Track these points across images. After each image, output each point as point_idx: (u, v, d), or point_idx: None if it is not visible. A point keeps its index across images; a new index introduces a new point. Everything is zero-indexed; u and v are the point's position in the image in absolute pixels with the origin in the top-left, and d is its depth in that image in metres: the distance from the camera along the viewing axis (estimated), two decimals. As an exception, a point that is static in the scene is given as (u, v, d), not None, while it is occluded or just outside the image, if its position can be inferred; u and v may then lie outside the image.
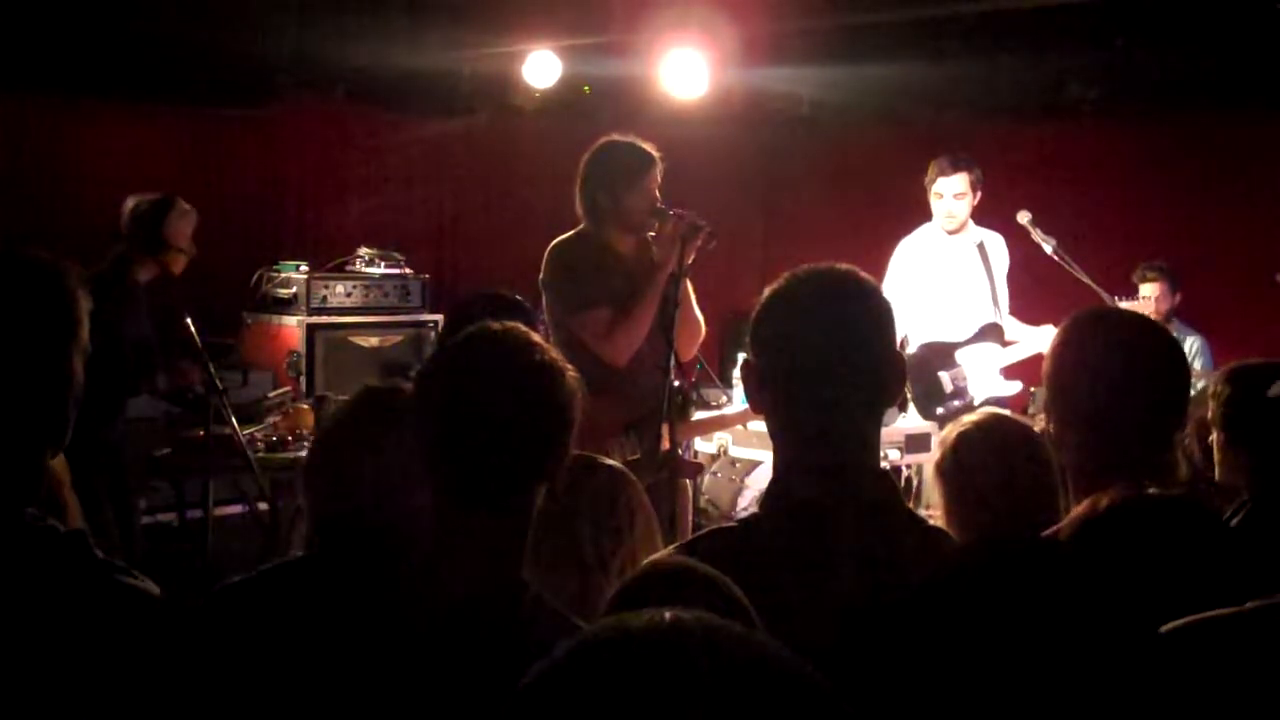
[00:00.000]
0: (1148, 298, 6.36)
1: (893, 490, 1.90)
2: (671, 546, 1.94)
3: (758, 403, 1.90)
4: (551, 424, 1.85)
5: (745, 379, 1.91)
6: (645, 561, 1.68)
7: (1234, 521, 2.28)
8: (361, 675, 1.80)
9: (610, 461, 2.38)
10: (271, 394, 5.95)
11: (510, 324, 1.88)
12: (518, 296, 3.31)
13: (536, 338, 1.88)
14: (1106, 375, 2.11)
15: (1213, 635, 1.55)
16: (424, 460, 1.89)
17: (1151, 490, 1.94)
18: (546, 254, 4.12)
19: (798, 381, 1.83)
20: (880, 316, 1.86)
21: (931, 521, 2.17)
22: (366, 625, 1.86)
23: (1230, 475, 2.42)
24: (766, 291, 1.89)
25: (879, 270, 5.47)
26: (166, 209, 5.24)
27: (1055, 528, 2.07)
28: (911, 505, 2.85)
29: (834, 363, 1.81)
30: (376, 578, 1.98)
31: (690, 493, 4.42)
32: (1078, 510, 1.97)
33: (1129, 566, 1.71)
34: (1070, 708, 1.21)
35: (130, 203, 5.29)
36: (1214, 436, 2.41)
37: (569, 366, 1.87)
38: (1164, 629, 1.56)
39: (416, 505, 2.00)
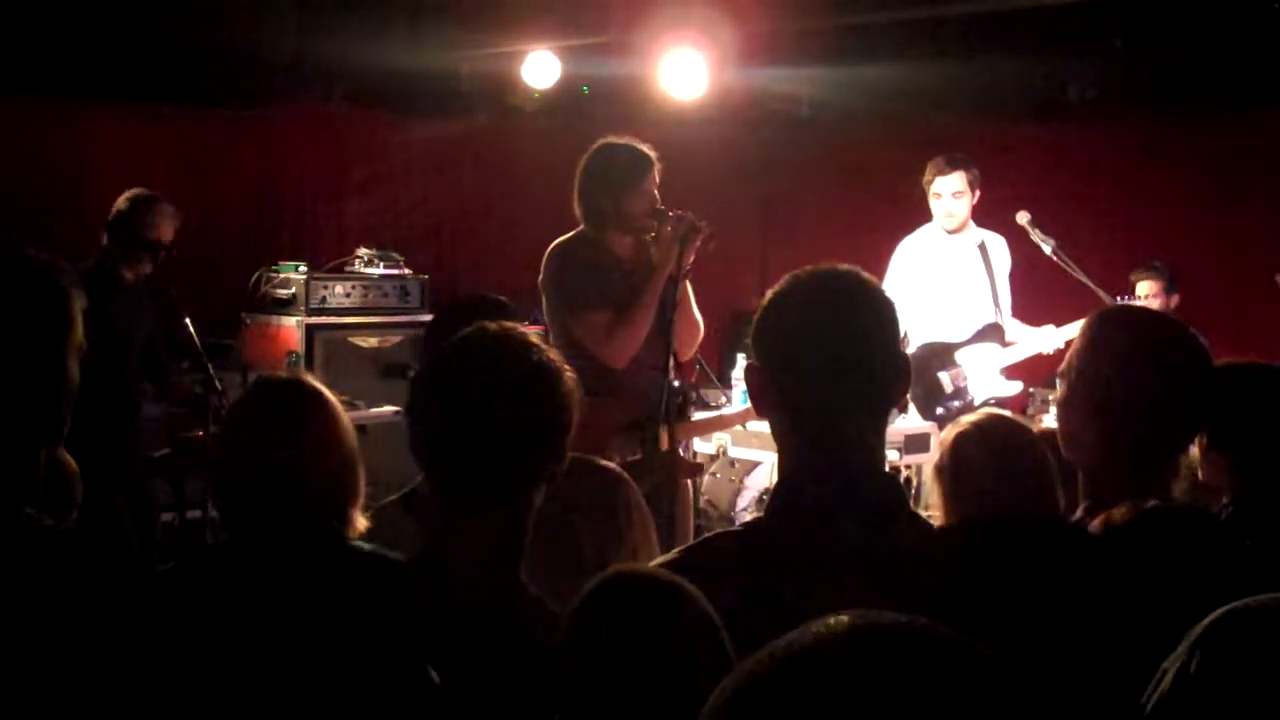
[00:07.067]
0: (1142, 297, 6.34)
1: (898, 492, 1.88)
2: (675, 550, 1.93)
3: (761, 406, 1.87)
4: (549, 425, 1.85)
5: (749, 382, 1.89)
6: (606, 571, 1.65)
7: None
8: (360, 674, 1.80)
9: (608, 463, 2.38)
10: (271, 394, 5.94)
11: (508, 325, 1.88)
12: (503, 299, 3.28)
13: (534, 338, 1.88)
14: (1124, 375, 2.08)
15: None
16: (420, 460, 1.89)
17: (1153, 503, 1.92)
18: (545, 256, 4.12)
19: (800, 384, 1.81)
20: (883, 317, 1.83)
21: (933, 523, 2.16)
22: (366, 625, 1.86)
23: (1212, 477, 2.41)
24: (768, 294, 1.86)
25: (879, 270, 5.46)
26: (141, 205, 5.24)
27: None
28: (912, 506, 2.85)
29: (836, 364, 1.79)
30: (313, 556, 2.01)
31: (690, 493, 4.42)
32: (1094, 525, 1.94)
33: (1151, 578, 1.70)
34: None
35: (120, 199, 5.31)
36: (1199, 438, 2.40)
37: (567, 367, 1.87)
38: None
39: (325, 477, 2.05)
